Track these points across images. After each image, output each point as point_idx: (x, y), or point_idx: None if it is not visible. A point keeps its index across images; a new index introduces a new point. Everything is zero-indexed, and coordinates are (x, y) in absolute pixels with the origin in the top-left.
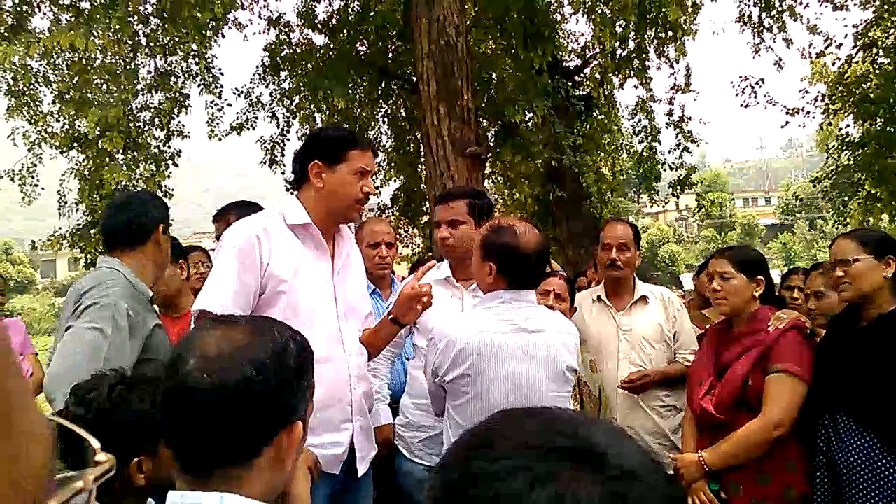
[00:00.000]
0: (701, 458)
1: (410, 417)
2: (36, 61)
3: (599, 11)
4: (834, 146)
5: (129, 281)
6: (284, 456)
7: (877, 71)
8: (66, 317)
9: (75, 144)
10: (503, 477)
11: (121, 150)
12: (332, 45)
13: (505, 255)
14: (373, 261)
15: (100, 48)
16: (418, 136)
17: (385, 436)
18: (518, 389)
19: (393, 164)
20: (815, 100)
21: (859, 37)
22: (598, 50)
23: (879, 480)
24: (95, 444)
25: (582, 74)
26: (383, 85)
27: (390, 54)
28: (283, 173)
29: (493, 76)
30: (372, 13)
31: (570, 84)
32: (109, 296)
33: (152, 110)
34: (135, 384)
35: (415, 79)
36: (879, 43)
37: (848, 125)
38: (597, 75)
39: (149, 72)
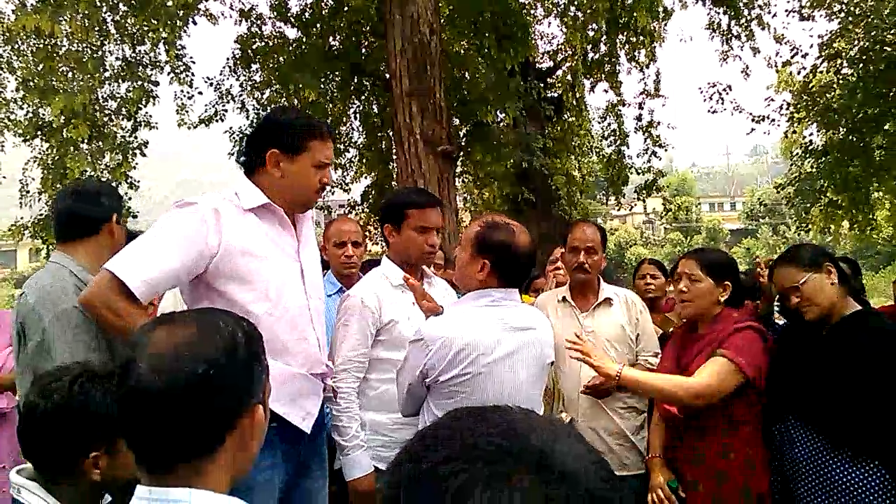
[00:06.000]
0: (618, 374)
1: (392, 435)
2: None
3: (571, 14)
4: (798, 154)
5: (76, 275)
6: (248, 439)
7: (840, 81)
8: (18, 340)
9: (39, 133)
10: (449, 477)
11: (86, 140)
12: (304, 39)
13: (501, 252)
14: (339, 260)
15: (66, 35)
16: (390, 133)
17: (366, 487)
18: (508, 387)
19: (364, 160)
20: (781, 108)
21: (824, 47)
22: (569, 53)
23: (826, 481)
24: None
25: (553, 76)
26: (356, 80)
27: (363, 50)
28: None
29: (466, 75)
30: (346, 8)
31: (541, 86)
32: (50, 320)
33: (119, 100)
34: (97, 378)
35: (387, 75)
36: (843, 54)
37: (812, 134)
38: (568, 78)
39: (117, 59)
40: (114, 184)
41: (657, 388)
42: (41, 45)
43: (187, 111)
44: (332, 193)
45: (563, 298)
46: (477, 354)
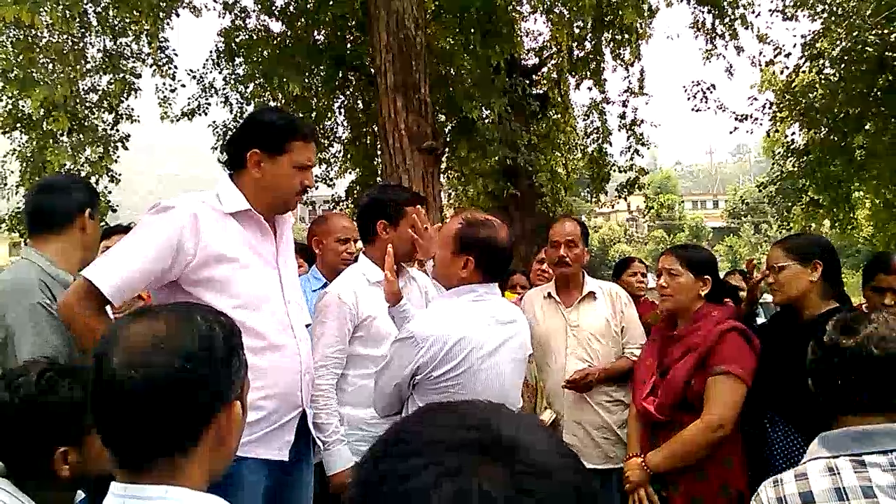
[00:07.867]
0: (643, 463)
1: (370, 430)
2: None
3: (557, 12)
4: (780, 153)
5: (45, 271)
6: (225, 435)
7: (822, 81)
8: None
9: (18, 125)
10: (412, 473)
11: (66, 133)
12: (289, 33)
13: (485, 248)
14: (340, 255)
15: (47, 26)
16: (375, 128)
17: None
18: (496, 380)
19: (349, 155)
20: (764, 107)
21: (807, 47)
22: (555, 50)
23: None
24: None
25: (539, 73)
26: (340, 75)
27: (348, 44)
28: None
29: (452, 71)
30: (331, 2)
31: (527, 82)
32: (14, 316)
33: (100, 92)
34: (66, 372)
35: (372, 70)
36: (826, 54)
37: (794, 133)
38: (553, 75)
39: (98, 51)
40: (95, 177)
41: (683, 448)
42: (21, 36)
43: (170, 104)
44: (316, 189)
45: (549, 294)
46: (470, 349)
